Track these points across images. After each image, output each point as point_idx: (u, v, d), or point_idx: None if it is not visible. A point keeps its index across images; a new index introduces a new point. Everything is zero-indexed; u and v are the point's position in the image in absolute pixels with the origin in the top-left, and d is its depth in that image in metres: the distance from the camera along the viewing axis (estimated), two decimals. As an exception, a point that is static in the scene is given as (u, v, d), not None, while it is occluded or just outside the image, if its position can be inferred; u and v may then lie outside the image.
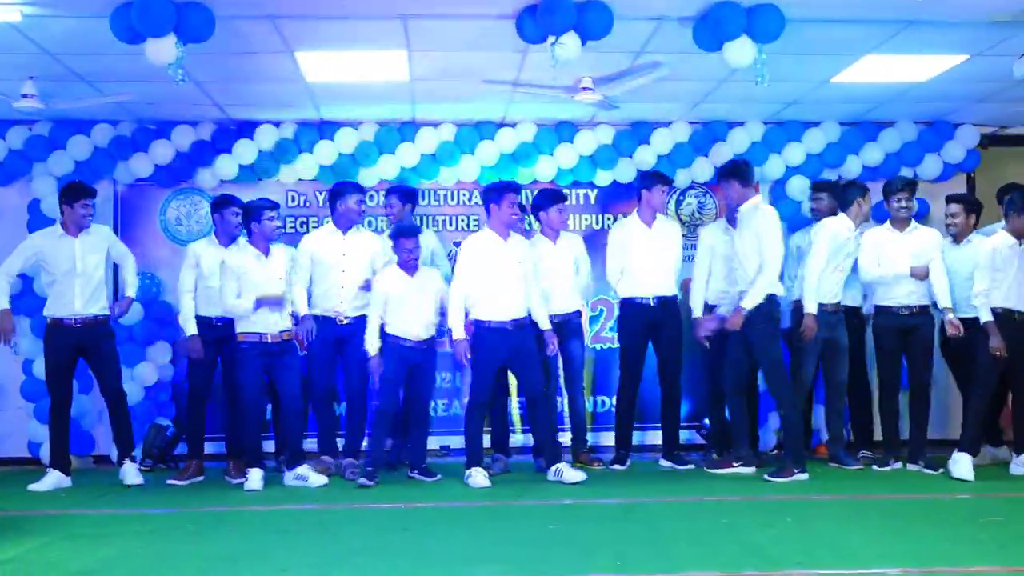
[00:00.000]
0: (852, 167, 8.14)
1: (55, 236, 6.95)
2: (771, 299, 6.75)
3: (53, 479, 6.83)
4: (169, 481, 6.94)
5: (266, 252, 6.73)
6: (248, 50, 6.28)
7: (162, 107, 7.51)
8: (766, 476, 6.79)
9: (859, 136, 8.21)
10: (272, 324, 6.65)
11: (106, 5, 5.39)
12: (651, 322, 7.26)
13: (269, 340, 6.63)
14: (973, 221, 7.30)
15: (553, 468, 6.72)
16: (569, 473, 6.67)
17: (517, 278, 6.78)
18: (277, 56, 6.41)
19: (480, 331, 6.76)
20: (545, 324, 6.91)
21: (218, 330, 6.97)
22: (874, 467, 7.13)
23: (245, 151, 7.91)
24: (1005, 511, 5.64)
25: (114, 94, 6.84)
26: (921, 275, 7.01)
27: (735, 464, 7.02)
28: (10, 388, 7.90)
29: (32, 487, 6.76)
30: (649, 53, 6.35)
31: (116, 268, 7.25)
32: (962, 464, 6.68)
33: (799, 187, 8.08)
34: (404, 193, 7.56)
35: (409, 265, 6.81)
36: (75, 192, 6.92)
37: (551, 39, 5.42)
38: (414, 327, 6.79)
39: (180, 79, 5.58)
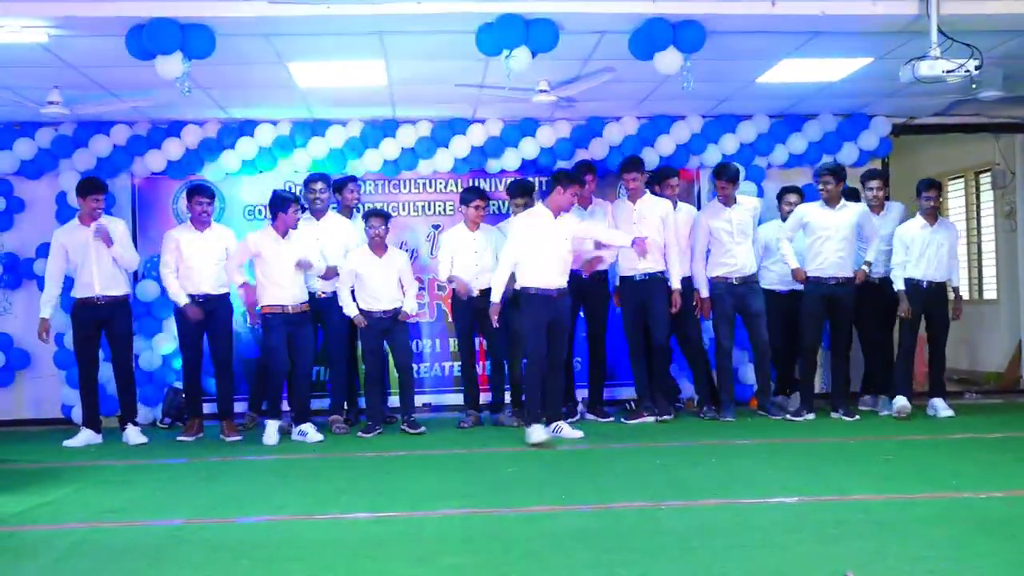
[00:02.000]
0: (779, 155, 8.42)
1: (73, 228, 7.10)
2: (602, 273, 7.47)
3: (85, 436, 7.06)
4: (178, 437, 7.19)
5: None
6: (247, 62, 6.48)
7: (173, 109, 7.68)
8: (622, 419, 7.41)
9: (786, 128, 8.46)
10: (293, 297, 6.92)
11: (121, 26, 5.60)
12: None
13: (291, 311, 6.91)
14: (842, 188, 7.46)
15: (553, 425, 6.69)
16: (568, 431, 6.73)
17: (564, 251, 6.66)
18: (272, 67, 6.62)
19: (529, 297, 6.59)
20: None
21: (200, 305, 7.09)
22: (787, 416, 7.38)
23: (247, 147, 8.10)
24: (897, 451, 6.02)
25: (130, 100, 7.02)
26: (800, 278, 7.33)
27: (644, 415, 7.38)
28: (44, 357, 8.14)
29: (67, 443, 7.00)
30: (596, 60, 6.59)
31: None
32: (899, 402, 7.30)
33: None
34: (328, 180, 7.61)
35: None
36: (86, 187, 7.06)
37: (505, 52, 5.67)
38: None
39: (187, 91, 5.79)
